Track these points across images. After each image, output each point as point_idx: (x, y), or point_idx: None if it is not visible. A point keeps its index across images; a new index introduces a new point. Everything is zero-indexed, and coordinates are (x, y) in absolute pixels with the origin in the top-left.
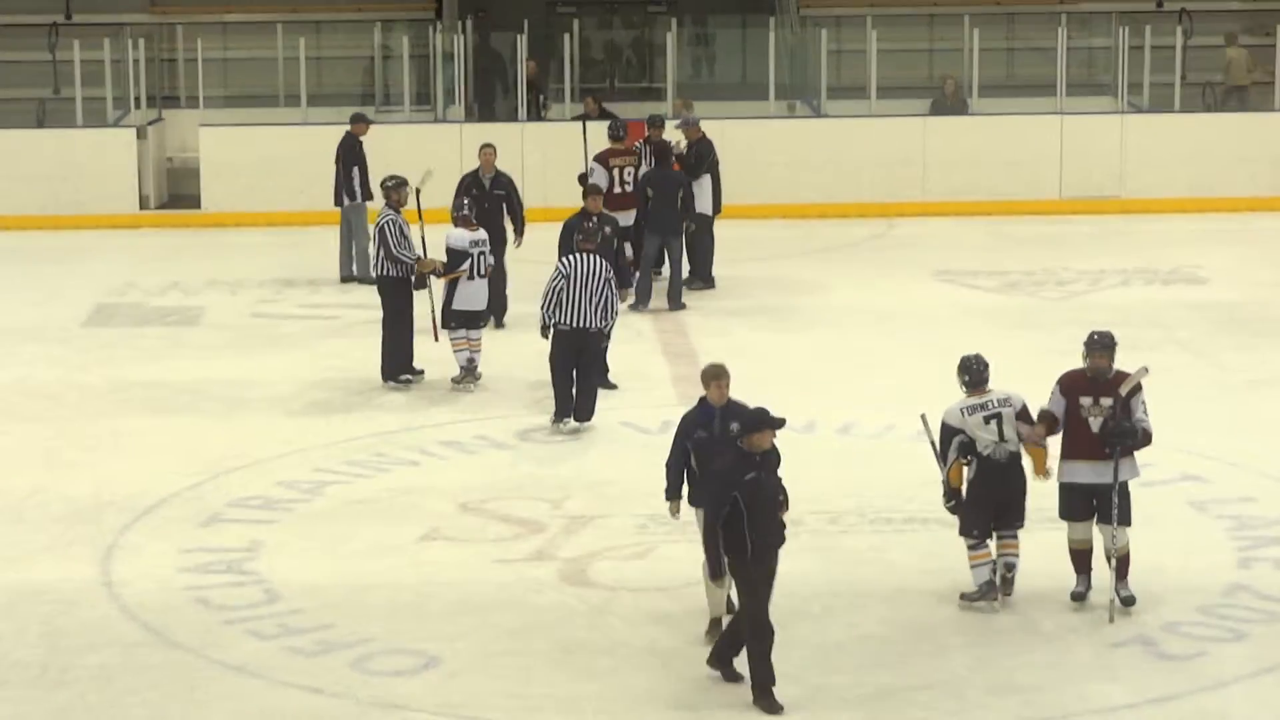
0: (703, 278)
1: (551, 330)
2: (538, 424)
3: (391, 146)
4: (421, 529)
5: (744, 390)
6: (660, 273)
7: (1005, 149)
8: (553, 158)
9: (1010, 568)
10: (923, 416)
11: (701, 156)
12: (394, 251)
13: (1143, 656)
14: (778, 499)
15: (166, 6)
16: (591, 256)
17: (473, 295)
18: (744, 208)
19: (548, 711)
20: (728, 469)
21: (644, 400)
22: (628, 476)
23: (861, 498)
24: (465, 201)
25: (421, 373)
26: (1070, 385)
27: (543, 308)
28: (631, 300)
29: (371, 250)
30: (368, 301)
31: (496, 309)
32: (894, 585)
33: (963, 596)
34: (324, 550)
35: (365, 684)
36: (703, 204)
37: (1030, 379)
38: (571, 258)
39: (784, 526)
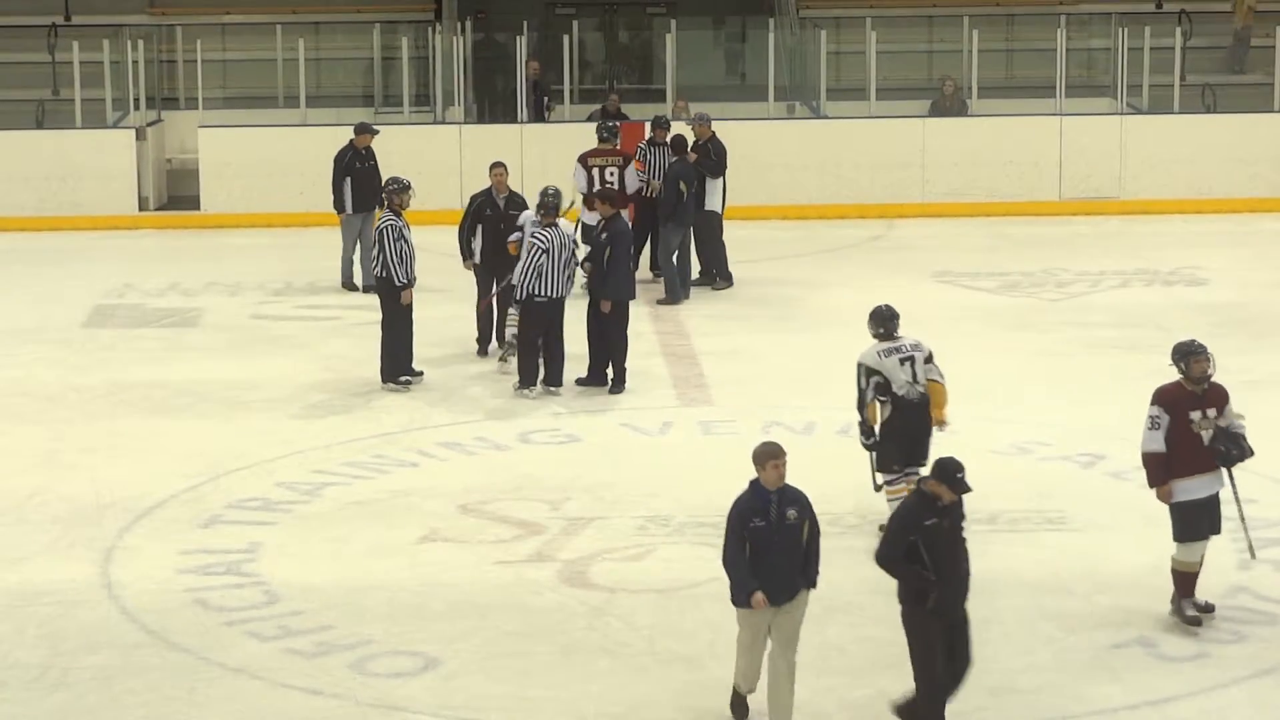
0: (723, 275)
1: (528, 302)
2: (538, 426)
3: (391, 148)
4: (421, 530)
5: (745, 392)
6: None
7: (1005, 150)
8: (554, 159)
9: None
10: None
11: (721, 154)
12: (388, 258)
13: (1143, 658)
14: (960, 548)
15: (166, 8)
16: (559, 229)
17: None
18: (744, 208)
19: (548, 713)
20: (907, 510)
21: (643, 402)
22: (627, 478)
23: (861, 498)
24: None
25: (421, 374)
26: (1175, 401)
27: (521, 282)
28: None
29: (374, 252)
30: (367, 303)
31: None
32: (894, 586)
33: (883, 529)
34: (323, 552)
35: (365, 685)
36: (714, 201)
37: (1029, 380)
38: (546, 232)
39: (967, 585)
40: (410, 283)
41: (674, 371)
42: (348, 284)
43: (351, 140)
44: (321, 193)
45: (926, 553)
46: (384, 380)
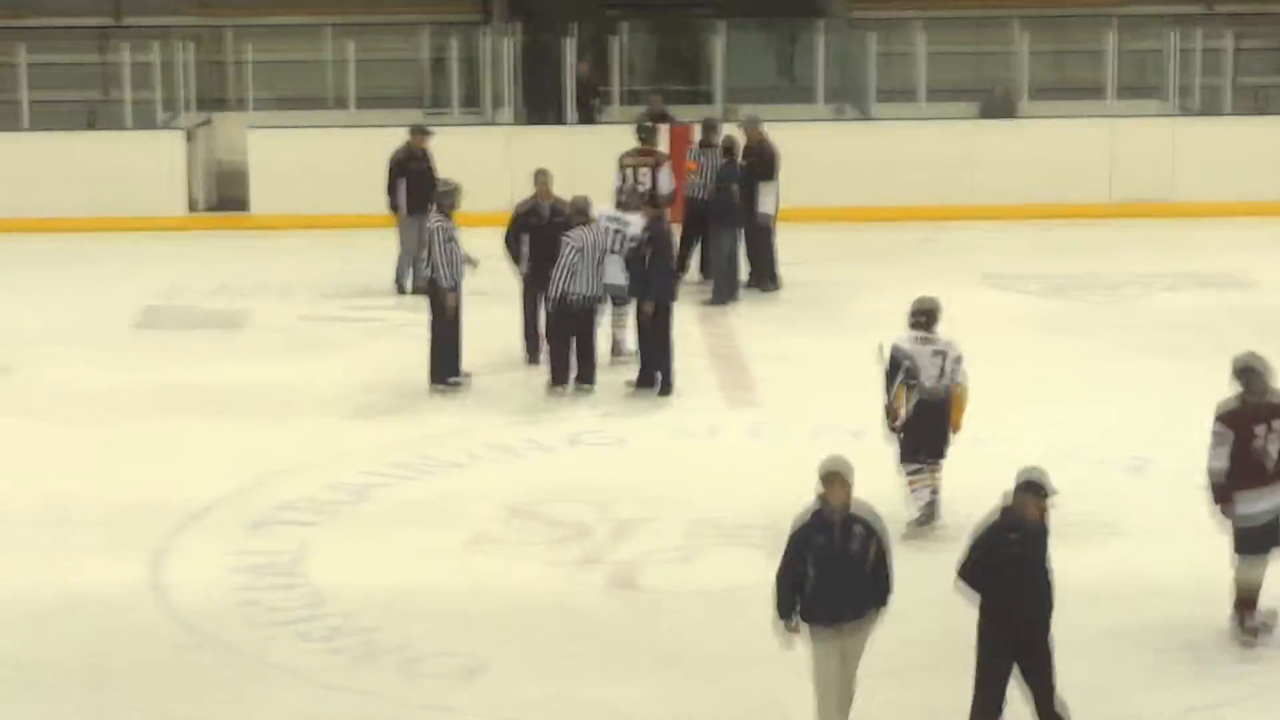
0: (771, 279)
1: (561, 301)
2: (586, 428)
3: (440, 150)
4: (468, 532)
5: (793, 395)
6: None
7: (1055, 152)
8: (602, 160)
9: (935, 491)
10: (879, 346)
11: (773, 157)
12: (437, 260)
13: (1193, 665)
14: (1041, 568)
15: (216, 9)
16: (594, 229)
17: (607, 268)
18: (792, 211)
19: (595, 716)
20: (989, 526)
21: (691, 405)
22: (675, 481)
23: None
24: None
25: (469, 376)
26: (1238, 418)
27: (554, 280)
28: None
29: (423, 254)
30: (416, 305)
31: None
32: (941, 594)
33: (913, 524)
34: (371, 554)
35: (412, 687)
36: (765, 204)
37: (1078, 383)
38: (580, 231)
39: (1049, 604)
40: (457, 285)
41: (722, 374)
42: (402, 286)
43: (407, 141)
44: (370, 195)
45: (1007, 571)
46: (432, 382)
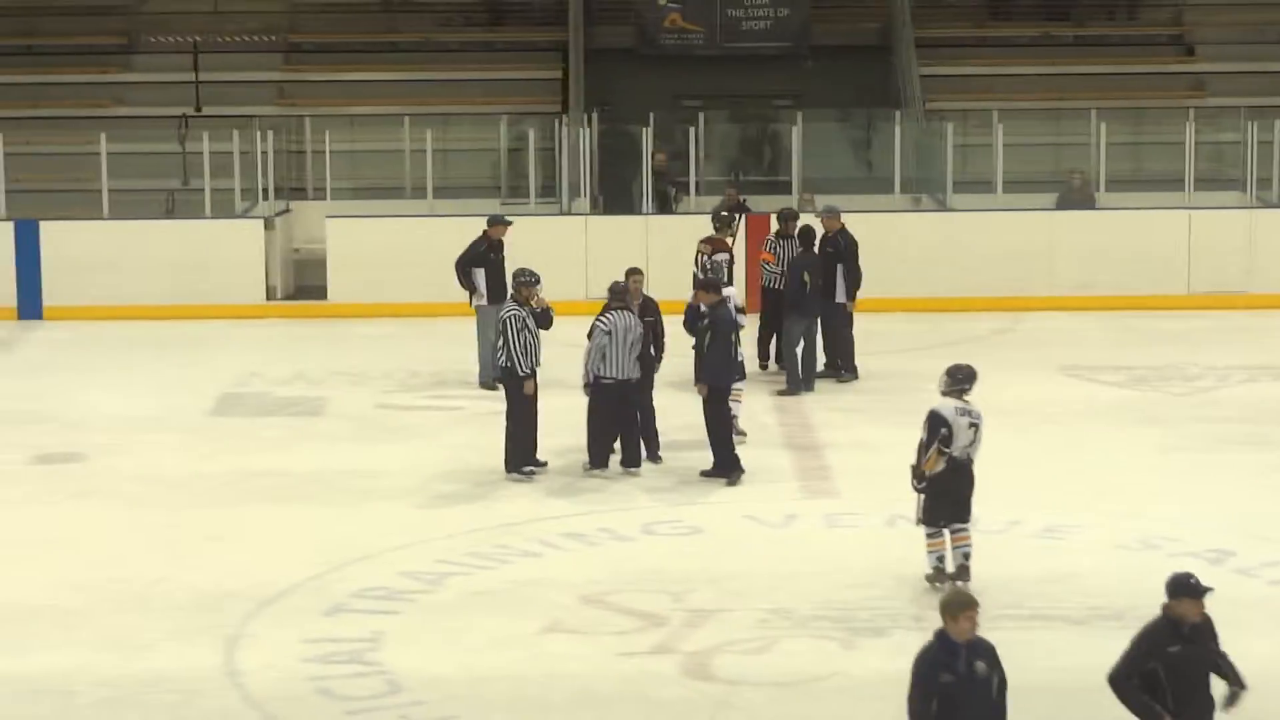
0: (848, 368)
1: (595, 384)
2: (661, 517)
3: (517, 239)
4: (543, 621)
5: (870, 485)
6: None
7: (1133, 243)
8: (679, 249)
9: (968, 556)
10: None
11: (853, 247)
12: (512, 349)
13: None
14: (1204, 675)
15: (295, 99)
16: (627, 313)
17: None
18: (869, 301)
19: None
20: (1149, 633)
21: (766, 494)
22: (750, 570)
23: (987, 594)
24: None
25: (545, 464)
26: None
27: (586, 364)
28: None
29: (498, 343)
30: (491, 394)
31: (650, 444)
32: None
33: (928, 578)
34: (446, 641)
35: None
36: (842, 293)
37: (1156, 475)
38: (611, 315)
39: (1211, 706)
40: (533, 373)
41: (798, 463)
42: (486, 383)
43: (485, 231)
44: (448, 283)
45: (1168, 681)
46: (508, 470)
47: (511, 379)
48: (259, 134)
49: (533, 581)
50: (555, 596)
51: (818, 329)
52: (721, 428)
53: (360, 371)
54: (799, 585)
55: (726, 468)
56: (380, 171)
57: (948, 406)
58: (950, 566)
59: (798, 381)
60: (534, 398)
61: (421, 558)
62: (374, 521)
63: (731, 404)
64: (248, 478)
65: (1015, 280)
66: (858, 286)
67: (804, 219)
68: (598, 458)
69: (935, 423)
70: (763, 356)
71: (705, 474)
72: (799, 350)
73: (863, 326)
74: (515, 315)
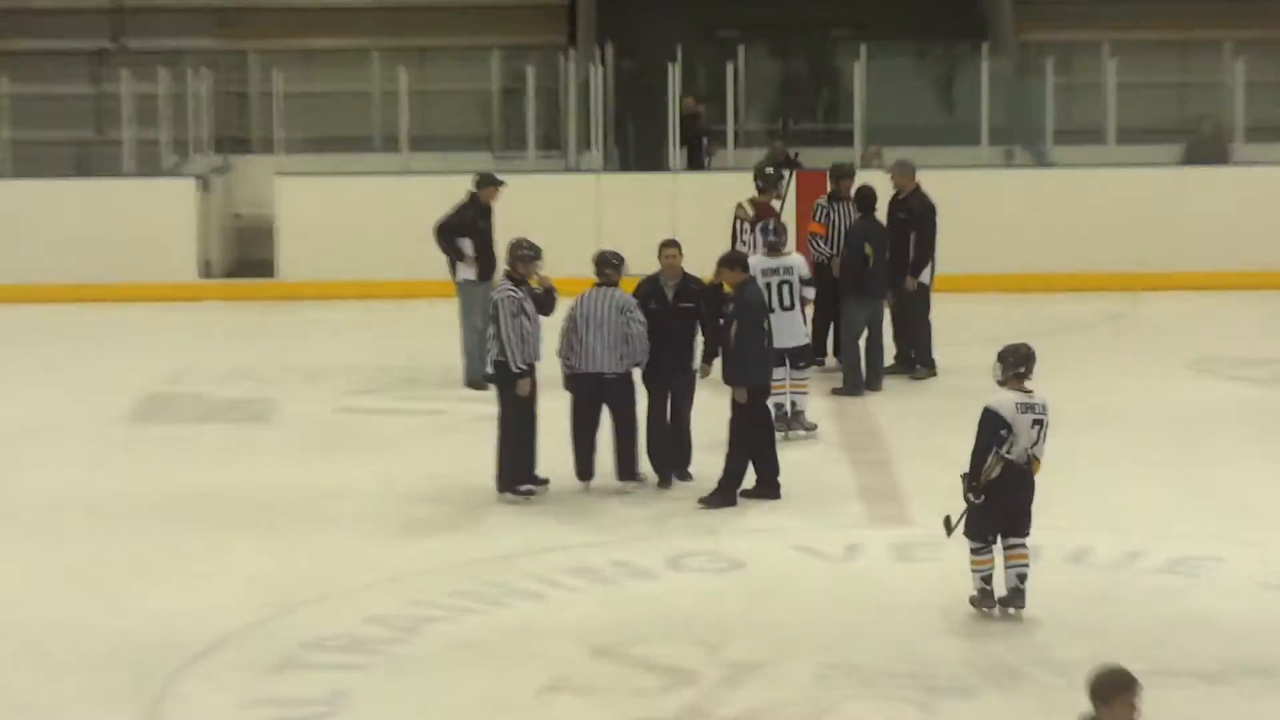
0: (924, 362)
1: (567, 376)
2: (691, 548)
3: (513, 202)
4: (545, 678)
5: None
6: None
7: (1278, 206)
8: (713, 215)
9: (1023, 578)
10: (947, 519)
11: (930, 211)
12: (506, 338)
13: None
14: None
15: (238, 30)
16: (604, 290)
17: (777, 328)
18: (951, 279)
19: None
20: None
21: (824, 520)
22: (803, 615)
23: (1100, 643)
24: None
25: (546, 482)
26: None
27: (558, 353)
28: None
29: (489, 331)
30: (480, 396)
31: (680, 459)
32: None
33: (971, 601)
34: (424, 704)
35: None
36: (920, 270)
37: None
38: (589, 292)
39: None
40: (531, 369)
41: (861, 480)
42: (474, 381)
43: (473, 193)
44: (427, 257)
45: None
46: (500, 490)
47: (504, 376)
48: (192, 73)
49: (532, 629)
50: (560, 648)
51: (884, 314)
52: (754, 443)
53: (317, 367)
54: (864, 634)
55: (725, 494)
56: (343, 120)
57: (1006, 402)
58: (1001, 590)
59: (859, 379)
60: (532, 399)
61: (393, 599)
62: (334, 553)
63: (795, 396)
64: (177, 500)
65: (1132, 253)
66: (932, 262)
67: (863, 178)
68: (578, 466)
69: (993, 423)
70: (818, 350)
71: (746, 494)
72: (861, 341)
73: (943, 310)
74: (510, 297)
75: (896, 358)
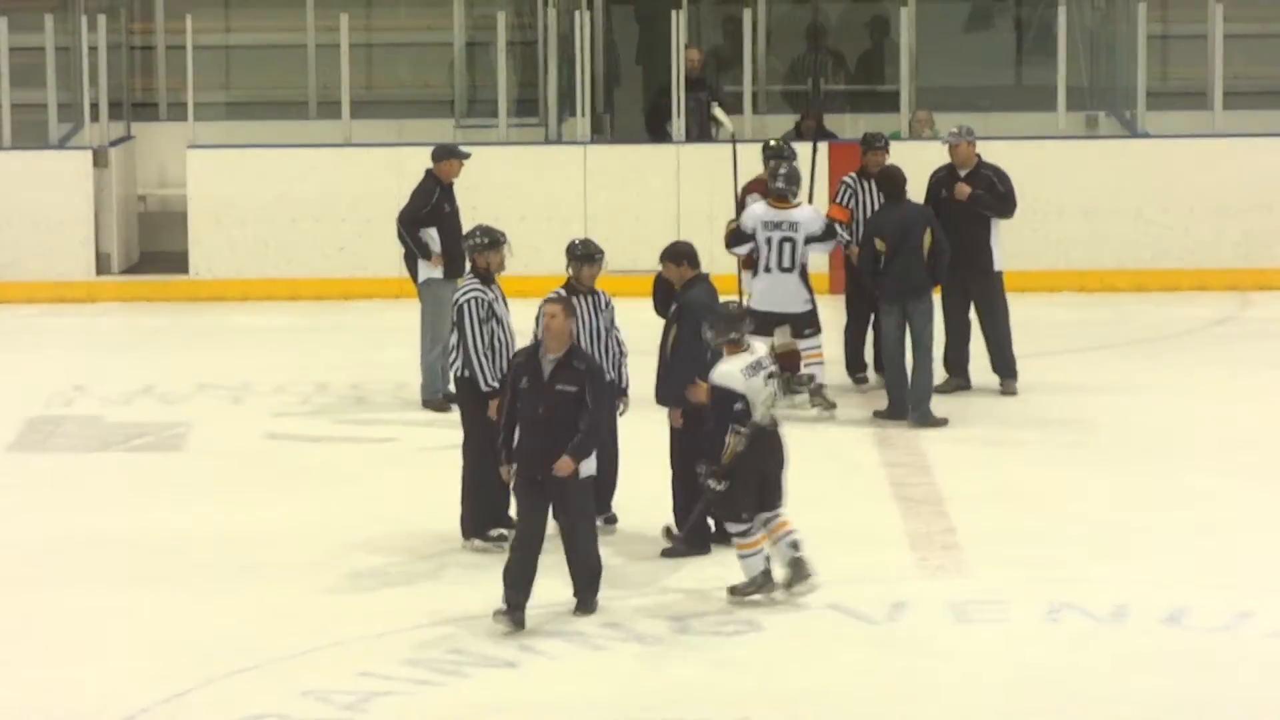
0: (1009, 370)
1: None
2: (699, 607)
3: (479, 180)
4: None
5: (1018, 557)
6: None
7: None
8: (722, 193)
9: (796, 545)
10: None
11: (1006, 185)
12: (470, 346)
13: None
14: None
15: None
16: (591, 295)
17: (769, 292)
18: (1020, 274)
19: None
20: None
21: (864, 571)
22: (836, 687)
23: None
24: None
25: None
26: None
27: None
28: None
29: (452, 340)
30: (441, 420)
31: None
32: None
33: (733, 591)
34: None
35: None
36: (998, 258)
37: None
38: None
39: None
40: (501, 387)
41: (910, 524)
42: (433, 400)
43: (431, 170)
44: (376, 247)
45: None
46: (465, 536)
47: (471, 395)
48: (85, 21)
49: (504, 705)
50: None
51: (926, 323)
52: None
53: (240, 383)
54: (914, 710)
55: (696, 541)
56: (270, 79)
57: (732, 372)
58: (781, 570)
59: (903, 399)
60: None
61: (337, 669)
62: (262, 613)
63: (809, 368)
64: (68, 546)
65: (1242, 243)
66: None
67: (910, 152)
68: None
69: (725, 400)
70: (854, 366)
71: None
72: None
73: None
74: (477, 298)
75: (946, 364)
